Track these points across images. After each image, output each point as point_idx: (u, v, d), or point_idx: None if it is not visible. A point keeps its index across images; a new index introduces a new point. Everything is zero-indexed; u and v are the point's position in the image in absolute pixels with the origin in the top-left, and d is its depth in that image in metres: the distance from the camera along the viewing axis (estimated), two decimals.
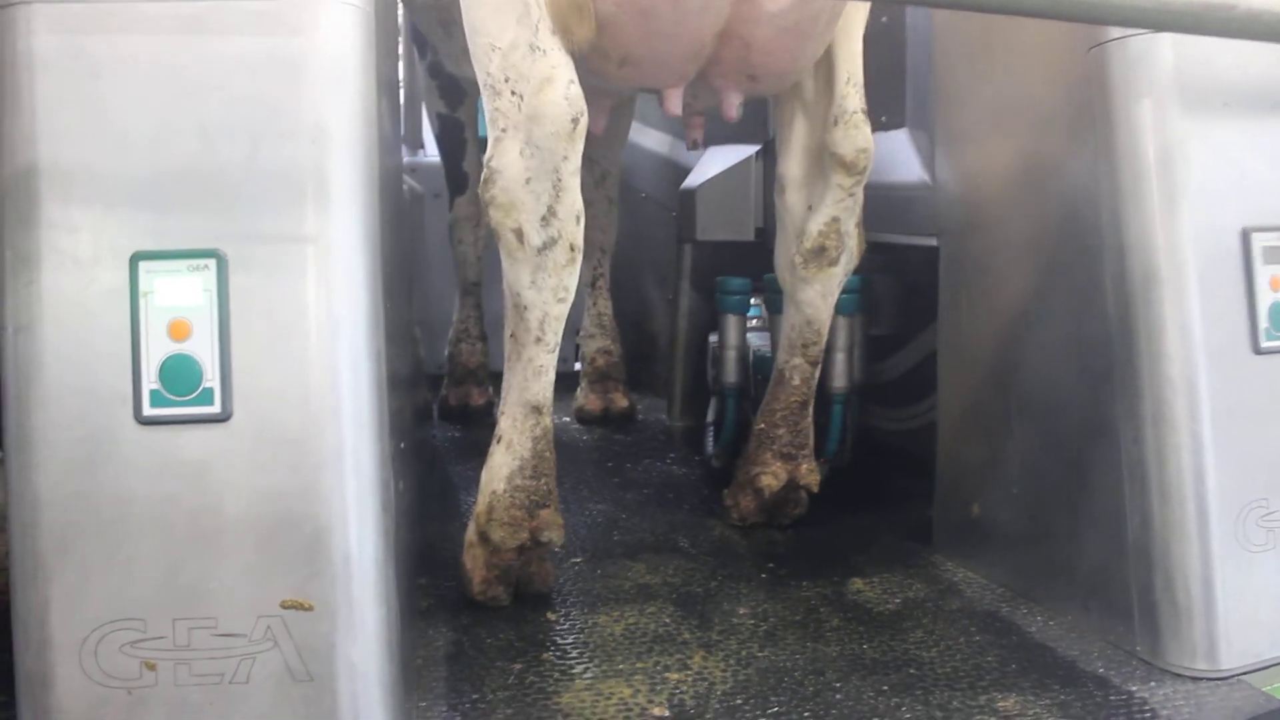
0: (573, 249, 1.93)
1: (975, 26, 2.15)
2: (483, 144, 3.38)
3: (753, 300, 2.90)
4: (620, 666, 1.87)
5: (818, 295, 2.34)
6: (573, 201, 1.91)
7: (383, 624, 1.51)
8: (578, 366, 4.10)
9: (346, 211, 1.51)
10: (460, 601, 2.11)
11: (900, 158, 2.46)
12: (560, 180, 1.89)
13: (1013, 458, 2.13)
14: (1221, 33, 1.68)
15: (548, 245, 1.91)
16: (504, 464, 1.99)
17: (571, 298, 1.96)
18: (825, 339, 2.39)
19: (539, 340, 1.95)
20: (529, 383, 1.98)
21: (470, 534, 2.05)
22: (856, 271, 2.76)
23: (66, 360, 1.45)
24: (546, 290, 1.93)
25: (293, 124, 1.49)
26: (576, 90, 1.88)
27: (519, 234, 1.91)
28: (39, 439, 1.45)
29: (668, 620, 2.05)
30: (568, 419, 3.55)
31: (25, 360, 1.45)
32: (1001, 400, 2.15)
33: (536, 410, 1.99)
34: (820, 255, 2.29)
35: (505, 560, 2.03)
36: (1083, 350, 1.95)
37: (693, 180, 3.08)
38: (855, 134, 2.18)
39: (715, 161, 3.08)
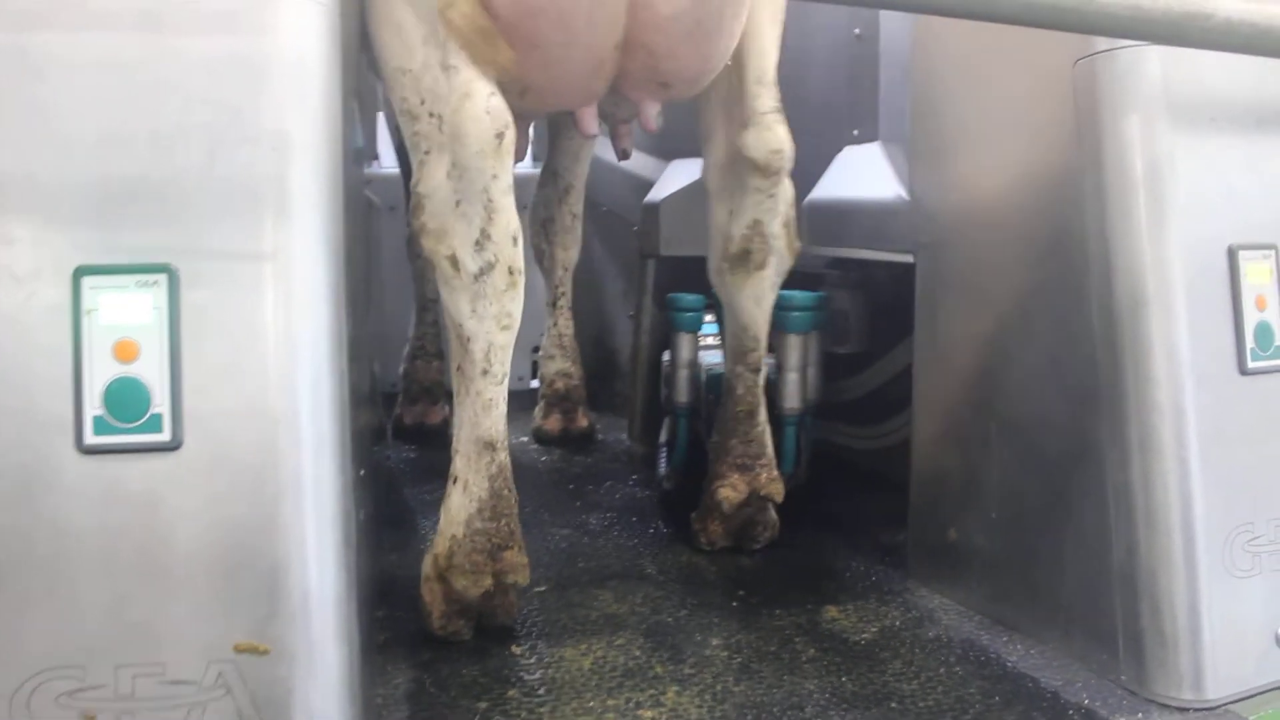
0: (511, 272, 1.84)
1: (956, 38, 2.10)
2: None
3: (709, 318, 2.83)
4: (590, 704, 1.78)
5: (750, 301, 2.29)
6: (507, 222, 1.82)
7: (345, 666, 1.41)
8: (534, 384, 4.00)
9: (309, 224, 1.42)
10: (420, 635, 2.00)
11: (873, 172, 2.41)
12: (491, 200, 1.80)
13: (991, 481, 2.08)
14: (1199, 43, 1.65)
15: (485, 270, 1.82)
16: (461, 507, 1.89)
17: (517, 324, 1.88)
18: (764, 345, 2.34)
19: (485, 372, 1.86)
20: (479, 418, 1.88)
21: (428, 568, 1.95)
22: (815, 288, 2.72)
23: (3, 383, 1.33)
24: (489, 319, 1.83)
25: (253, 129, 1.39)
26: (499, 102, 1.79)
27: (453, 261, 1.82)
28: None
29: (638, 653, 1.96)
30: (525, 439, 3.45)
31: None
32: (980, 421, 2.10)
33: (490, 446, 1.89)
34: (745, 260, 2.24)
35: (467, 599, 1.93)
36: (1066, 371, 1.91)
37: (656, 194, 3.01)
38: (768, 135, 2.12)
39: (679, 175, 3.02)
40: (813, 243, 2.60)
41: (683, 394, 2.76)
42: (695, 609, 2.16)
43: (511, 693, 1.81)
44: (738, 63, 2.14)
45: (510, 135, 1.78)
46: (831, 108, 2.69)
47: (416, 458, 3.30)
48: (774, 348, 2.58)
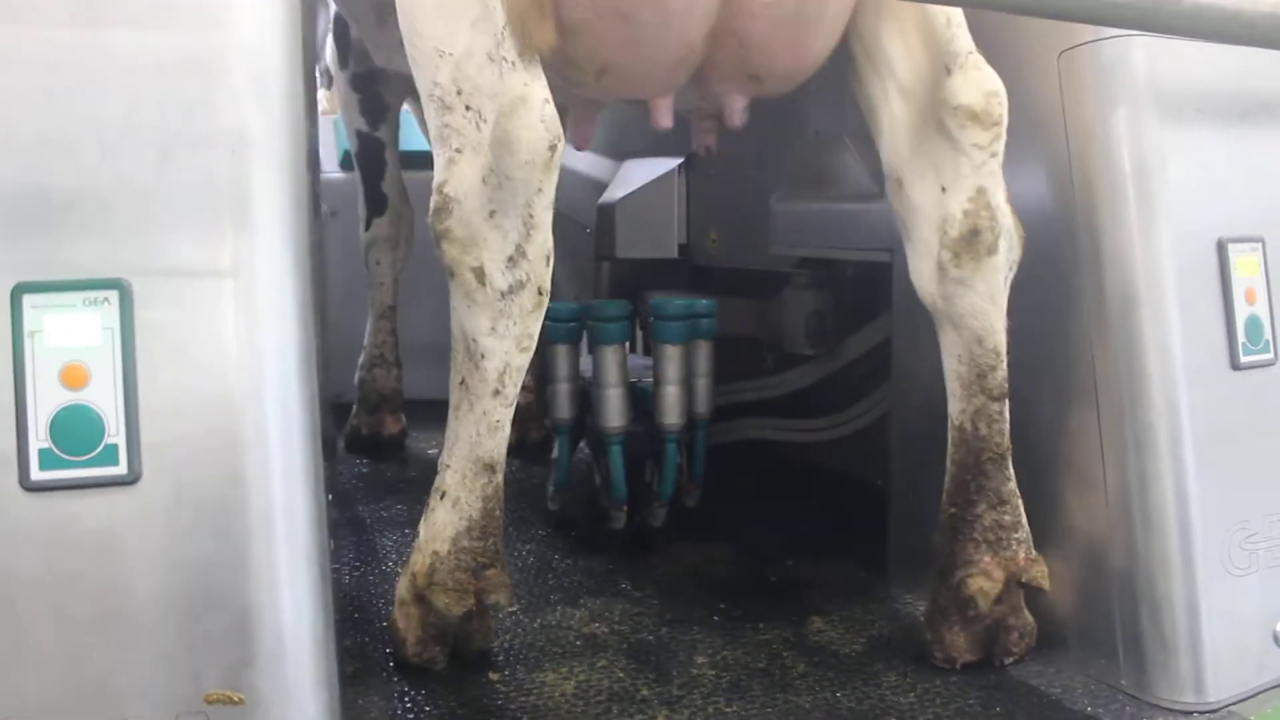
0: (540, 293, 1.70)
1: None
2: (405, 161, 3.26)
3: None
4: None
5: (984, 299, 1.80)
6: (544, 240, 1.68)
7: (325, 712, 1.30)
8: None
9: (272, 232, 1.31)
10: (390, 664, 1.89)
11: (842, 169, 2.34)
12: (532, 216, 1.65)
13: None
14: (1170, 30, 1.59)
15: (513, 289, 1.68)
16: (448, 523, 1.78)
17: (535, 345, 1.74)
18: (1005, 359, 1.82)
19: (497, 393, 1.72)
20: (482, 439, 1.75)
21: (403, 591, 1.84)
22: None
23: None
24: (509, 339, 1.70)
25: (208, 130, 1.27)
26: (552, 111, 1.63)
27: (479, 274, 1.67)
28: None
29: (621, 674, 1.87)
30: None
31: None
32: None
33: (490, 468, 1.77)
34: (974, 240, 1.77)
35: (445, 621, 1.82)
36: (1058, 370, 1.86)
37: (611, 195, 2.92)
38: (978, 76, 1.75)
39: (635, 175, 2.94)
40: (778, 244, 2.53)
41: (564, 410, 2.51)
42: (676, 625, 2.07)
43: None
44: (916, 11, 1.83)
45: (561, 148, 1.64)
46: (790, 103, 2.63)
47: (368, 471, 3.18)
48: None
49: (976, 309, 1.80)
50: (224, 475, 1.26)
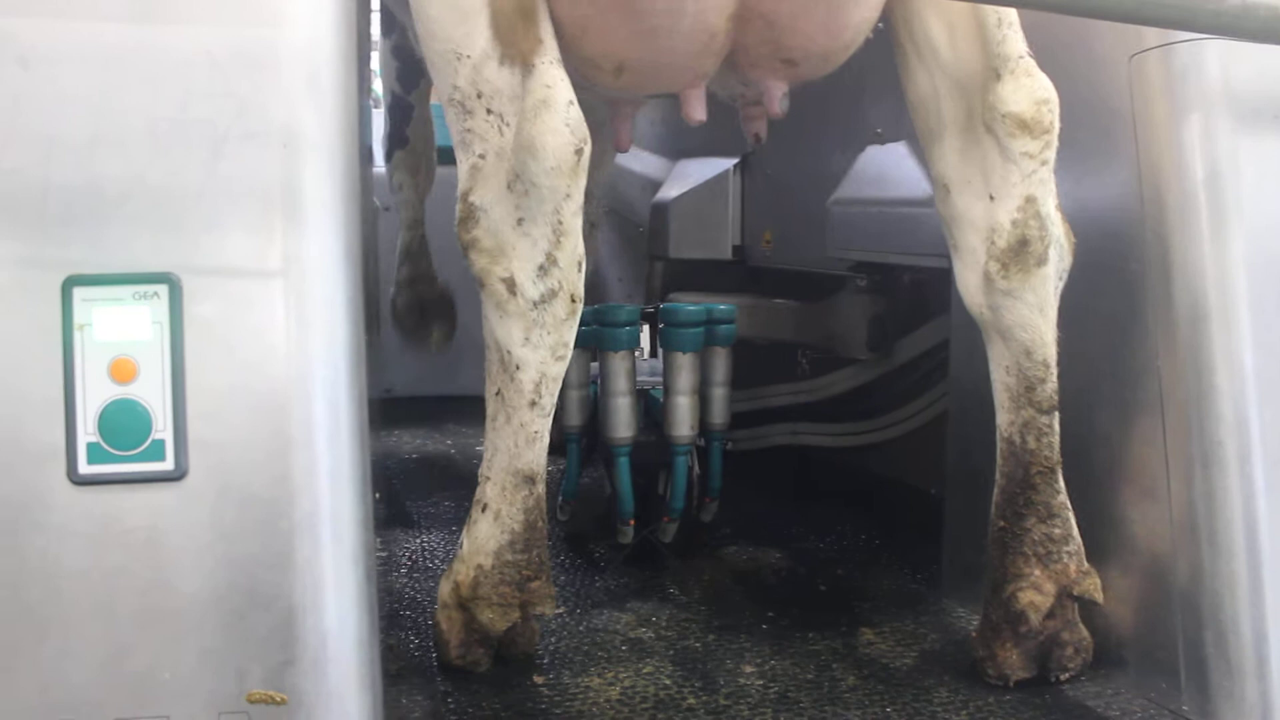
0: (573, 299, 1.67)
1: None
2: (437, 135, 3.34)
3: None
4: None
5: (1033, 311, 1.74)
6: (574, 246, 1.65)
7: (368, 715, 1.29)
8: None
9: (323, 229, 1.29)
10: (433, 664, 1.88)
11: (901, 172, 2.29)
12: (562, 222, 1.62)
13: None
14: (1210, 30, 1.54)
15: (546, 298, 1.65)
16: (491, 537, 1.76)
17: (570, 353, 1.71)
18: (1054, 371, 1.77)
19: (534, 404, 1.70)
20: (521, 450, 1.72)
21: (446, 595, 1.82)
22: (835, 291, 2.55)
23: None
24: (544, 348, 1.67)
25: (261, 125, 1.26)
26: (578, 113, 1.59)
27: (510, 284, 1.64)
28: None
29: (667, 682, 1.84)
30: None
31: None
32: None
33: (530, 480, 1.74)
34: (1023, 251, 1.71)
35: (491, 631, 1.81)
36: (1121, 383, 1.80)
37: (665, 194, 2.89)
38: (1029, 82, 1.68)
39: (689, 175, 2.91)
40: (835, 247, 2.48)
41: (574, 417, 2.41)
42: (724, 632, 2.04)
43: None
44: (968, 8, 1.75)
45: (588, 150, 1.60)
46: (853, 105, 2.58)
47: (416, 468, 3.18)
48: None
49: (1025, 321, 1.75)
50: (271, 473, 1.25)
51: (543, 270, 1.64)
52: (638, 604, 2.17)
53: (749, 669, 1.90)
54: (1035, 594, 1.76)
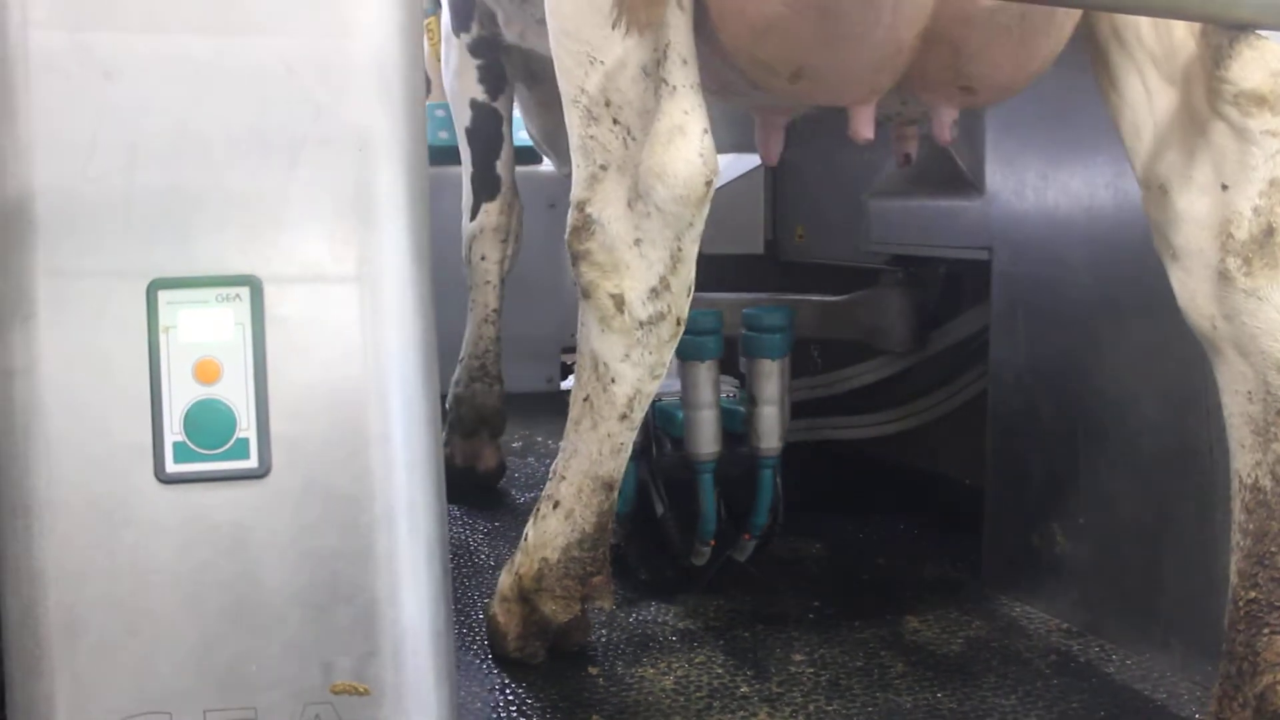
0: (679, 323, 1.65)
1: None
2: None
3: None
4: None
5: None
6: (688, 273, 1.63)
7: (446, 706, 1.32)
8: (564, 385, 3.91)
9: (396, 231, 1.32)
10: (488, 656, 1.91)
11: (939, 167, 2.32)
12: (681, 249, 1.60)
13: (1079, 486, 2.00)
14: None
15: (654, 320, 1.63)
16: (560, 533, 1.78)
17: (666, 372, 1.70)
18: None
19: (624, 418, 1.70)
20: (604, 459, 1.74)
21: (506, 589, 1.85)
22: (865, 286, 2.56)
23: (72, 409, 1.23)
24: (643, 367, 1.66)
25: (336, 131, 1.28)
26: (710, 143, 1.54)
27: (619, 301, 1.62)
28: (41, 503, 1.23)
29: (720, 671, 1.88)
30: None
31: (23, 409, 1.23)
32: (1065, 423, 2.02)
33: (608, 487, 1.76)
34: (1270, 241, 1.47)
35: (547, 621, 1.84)
36: (1166, 371, 1.82)
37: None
38: (1263, 54, 1.46)
39: (721, 170, 2.92)
40: (874, 240, 2.50)
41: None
42: (771, 622, 2.08)
43: (595, 717, 1.72)
44: None
45: (715, 182, 1.56)
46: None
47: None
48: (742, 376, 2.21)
49: (1275, 326, 1.47)
50: (351, 470, 1.27)
51: (654, 293, 1.62)
52: (683, 596, 2.20)
53: (799, 657, 1.93)
54: None
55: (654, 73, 1.55)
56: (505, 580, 1.86)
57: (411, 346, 1.32)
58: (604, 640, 2.00)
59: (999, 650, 1.95)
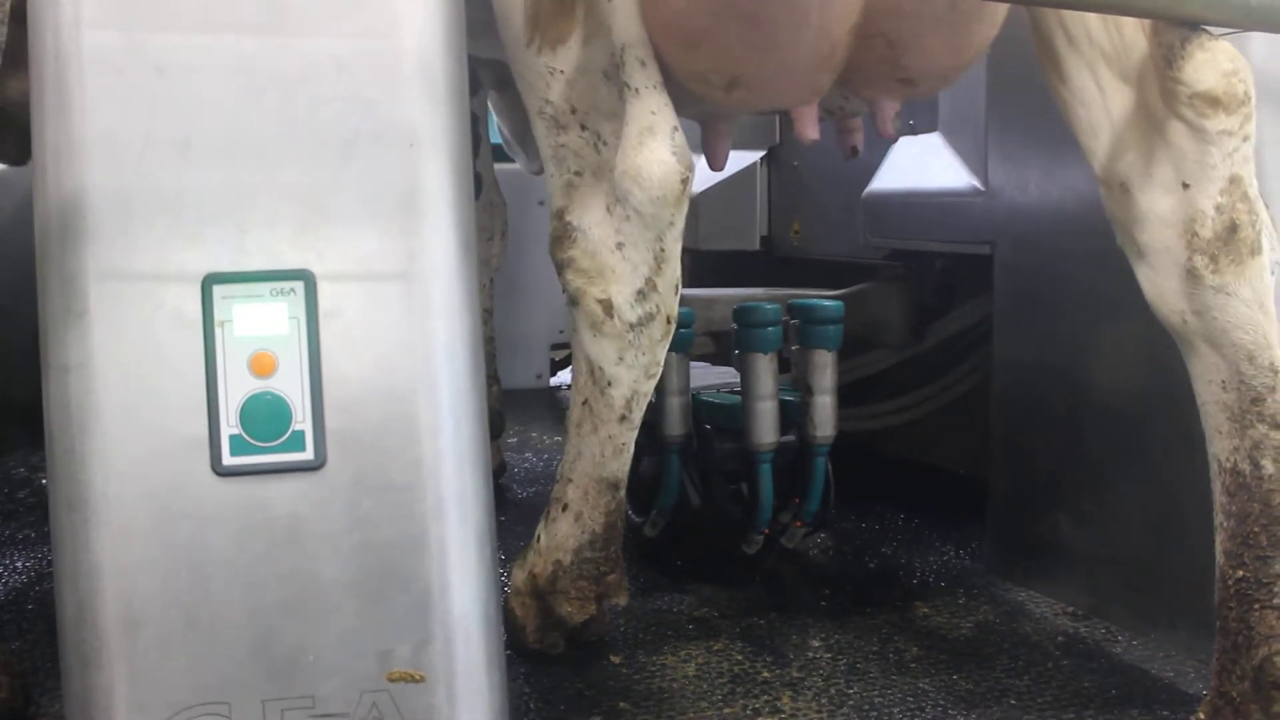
0: (669, 321, 1.67)
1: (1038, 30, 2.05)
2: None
3: None
4: (707, 713, 1.72)
5: (1251, 308, 1.52)
6: (674, 271, 1.64)
7: (497, 691, 1.35)
8: (554, 382, 3.94)
9: (443, 226, 1.34)
10: (507, 649, 1.93)
11: (938, 163, 2.37)
12: (664, 249, 1.61)
13: (1083, 473, 2.06)
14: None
15: (643, 321, 1.64)
16: (571, 535, 1.81)
17: (661, 370, 1.72)
18: None
19: (624, 419, 1.72)
20: (607, 460, 1.76)
21: (520, 584, 1.87)
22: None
23: (129, 403, 1.25)
24: (638, 368, 1.68)
25: (387, 127, 1.31)
26: (682, 140, 1.55)
27: (607, 306, 1.64)
28: (98, 496, 1.24)
29: (739, 658, 1.91)
30: (559, 439, 3.38)
31: (79, 404, 1.25)
32: (1068, 414, 2.07)
33: (613, 487, 1.79)
34: (1234, 238, 1.51)
35: (569, 624, 1.87)
36: (1169, 361, 1.88)
37: (693, 186, 2.94)
38: (1215, 55, 1.50)
39: None
40: (873, 236, 2.55)
41: (676, 426, 2.18)
42: (784, 610, 2.12)
43: (623, 704, 1.75)
44: None
45: (692, 178, 1.56)
46: None
47: None
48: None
49: (1244, 320, 1.53)
50: (403, 461, 1.30)
51: (641, 295, 1.63)
52: (695, 586, 2.24)
53: (815, 643, 1.97)
54: None
55: (615, 77, 1.57)
56: (519, 575, 1.88)
57: (459, 340, 1.35)
58: (622, 629, 2.03)
59: (1008, 634, 2.00)
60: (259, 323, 1.27)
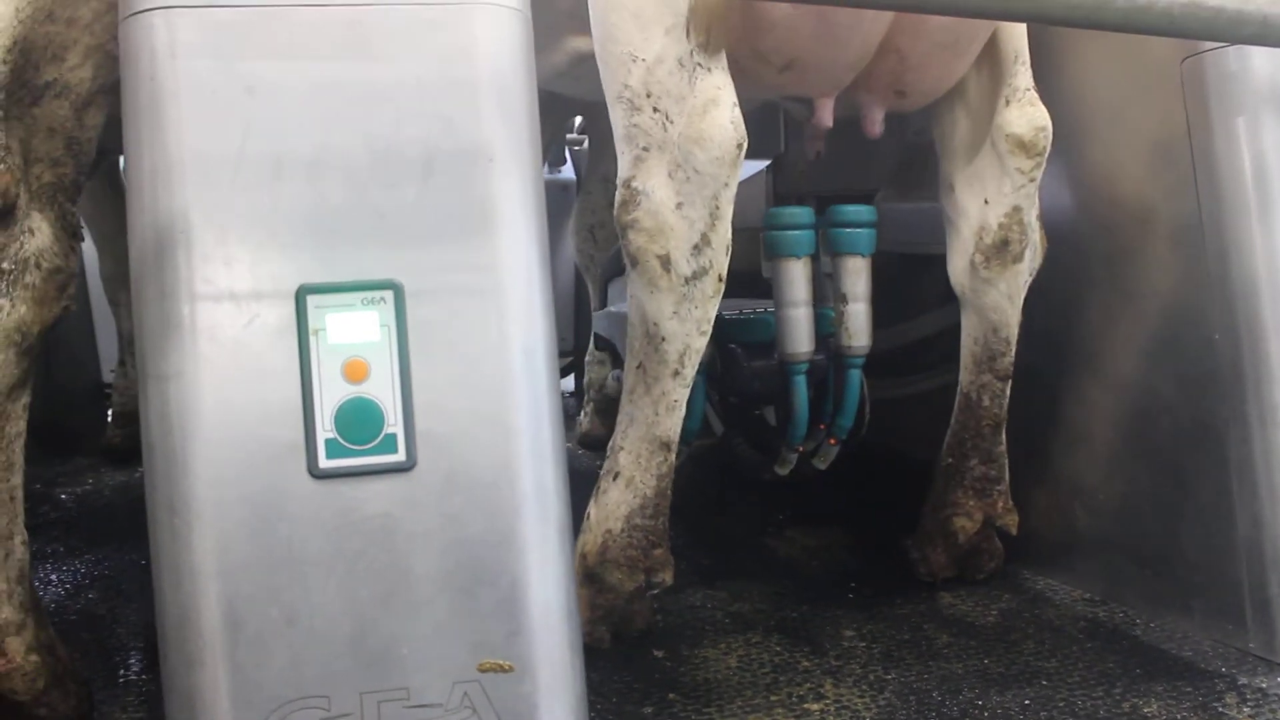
0: (720, 279, 1.84)
1: (1048, 38, 2.16)
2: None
3: None
4: (755, 701, 1.79)
5: (1004, 298, 2.10)
6: (726, 230, 1.82)
7: (579, 679, 1.41)
8: None
9: (521, 237, 1.40)
10: None
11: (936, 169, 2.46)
12: (719, 207, 1.80)
13: (1098, 462, 2.15)
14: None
15: (697, 275, 1.82)
16: (623, 502, 1.89)
17: (711, 330, 1.87)
18: (1014, 348, 2.14)
19: (677, 374, 1.86)
20: (660, 418, 1.88)
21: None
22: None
23: (227, 410, 1.30)
24: (690, 322, 1.83)
25: (467, 141, 1.37)
26: (739, 114, 1.79)
27: (665, 261, 1.81)
28: (199, 501, 1.29)
29: (778, 649, 1.98)
30: (570, 445, 3.44)
31: (178, 413, 1.29)
32: (1082, 407, 2.17)
33: (666, 446, 1.90)
34: (1003, 250, 2.07)
35: (613, 600, 1.93)
36: (1183, 354, 1.98)
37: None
38: (1031, 111, 2.03)
39: None
40: (889, 244, 2.63)
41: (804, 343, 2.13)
42: (815, 603, 2.19)
43: (672, 695, 1.81)
44: (992, 40, 2.06)
45: (745, 146, 1.79)
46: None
47: None
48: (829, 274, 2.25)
49: (997, 304, 2.12)
50: (490, 460, 1.35)
51: (697, 250, 1.81)
52: (725, 582, 2.31)
53: (849, 633, 2.05)
54: (967, 520, 2.19)
55: (688, 63, 1.80)
56: None
57: (538, 344, 1.40)
58: (662, 625, 2.09)
59: (1032, 619, 2.09)
60: (351, 331, 1.32)
